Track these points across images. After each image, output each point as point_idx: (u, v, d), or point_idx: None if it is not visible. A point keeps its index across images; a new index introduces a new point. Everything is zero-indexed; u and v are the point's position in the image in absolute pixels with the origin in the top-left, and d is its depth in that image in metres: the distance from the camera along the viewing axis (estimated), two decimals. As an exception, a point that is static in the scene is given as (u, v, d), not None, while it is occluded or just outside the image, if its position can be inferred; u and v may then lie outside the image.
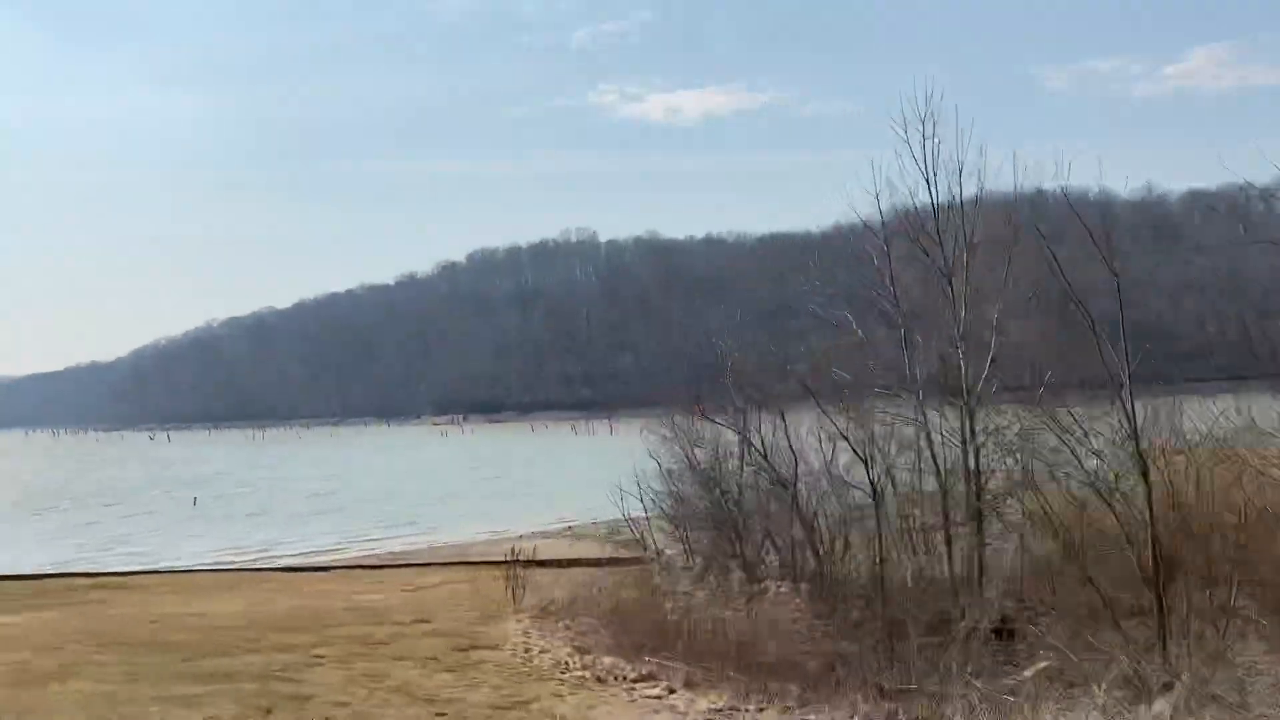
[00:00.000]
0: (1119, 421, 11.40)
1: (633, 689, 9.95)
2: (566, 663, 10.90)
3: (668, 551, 19.81)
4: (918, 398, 15.41)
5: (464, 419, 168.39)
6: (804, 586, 15.46)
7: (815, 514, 17.15)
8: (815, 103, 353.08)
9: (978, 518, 14.74)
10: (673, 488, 18.89)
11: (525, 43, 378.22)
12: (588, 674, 10.47)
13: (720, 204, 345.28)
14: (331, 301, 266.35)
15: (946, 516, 15.13)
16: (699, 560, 18.93)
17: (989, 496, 14.90)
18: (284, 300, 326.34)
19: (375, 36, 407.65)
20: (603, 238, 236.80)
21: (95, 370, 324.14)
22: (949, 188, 15.66)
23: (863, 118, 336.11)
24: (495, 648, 11.58)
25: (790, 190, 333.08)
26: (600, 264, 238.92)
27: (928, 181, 15.70)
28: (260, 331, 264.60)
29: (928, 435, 15.34)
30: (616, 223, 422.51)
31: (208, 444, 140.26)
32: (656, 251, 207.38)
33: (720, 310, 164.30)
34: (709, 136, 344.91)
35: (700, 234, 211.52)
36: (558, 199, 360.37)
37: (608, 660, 10.89)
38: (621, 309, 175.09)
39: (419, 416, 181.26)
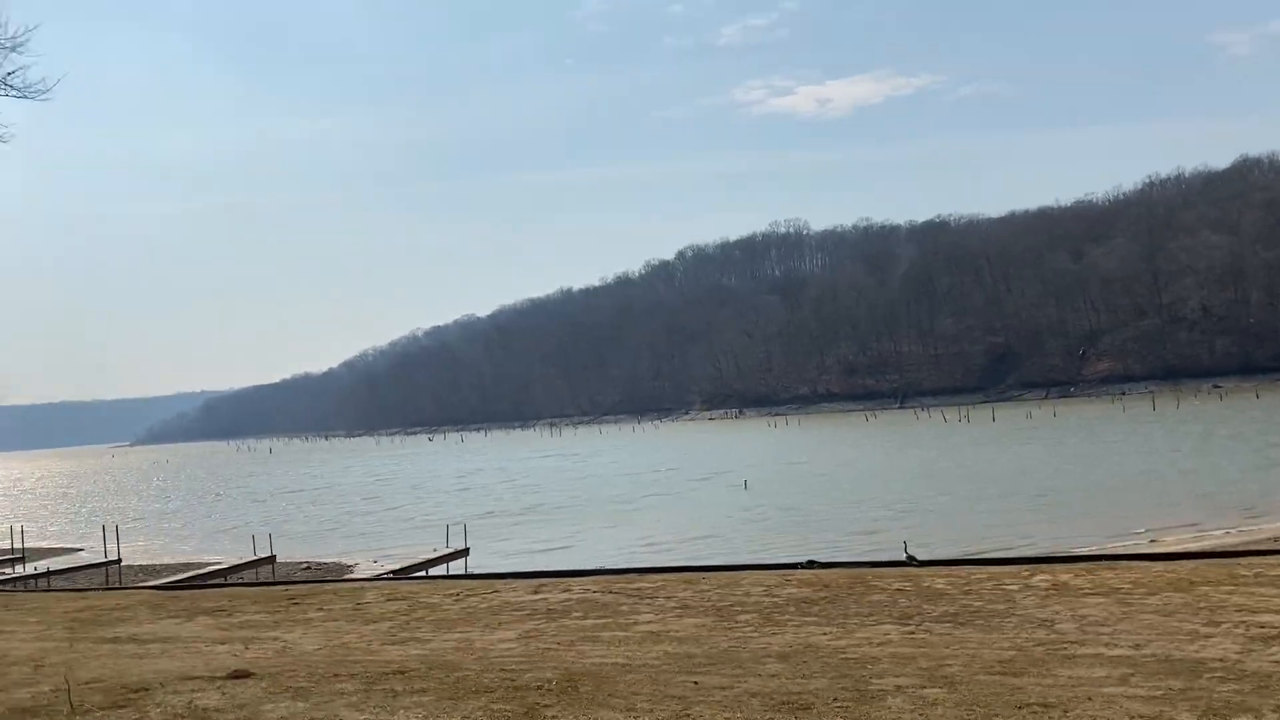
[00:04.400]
0: None
1: None
2: None
3: None
4: None
5: (739, 413, 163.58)
6: None
7: None
8: (973, 84, 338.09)
9: None
10: None
11: (671, 45, 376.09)
12: None
13: (910, 188, 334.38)
14: (536, 307, 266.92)
15: None
16: None
17: None
18: (483, 308, 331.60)
19: (525, 53, 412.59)
20: (816, 227, 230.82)
21: (309, 381, 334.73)
22: None
23: (1027, 99, 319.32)
24: None
25: (984, 171, 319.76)
26: (812, 253, 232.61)
27: None
28: (475, 337, 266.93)
29: None
30: (806, 212, 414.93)
31: (511, 442, 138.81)
32: (877, 238, 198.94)
33: (1015, 290, 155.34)
34: (861, 125, 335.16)
35: (919, 219, 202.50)
36: (725, 194, 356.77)
37: None
38: (889, 294, 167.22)
39: (686, 411, 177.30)
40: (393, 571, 24.49)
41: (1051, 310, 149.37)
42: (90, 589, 23.39)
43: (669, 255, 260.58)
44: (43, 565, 31.86)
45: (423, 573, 25.54)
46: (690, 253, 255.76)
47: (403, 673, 10.06)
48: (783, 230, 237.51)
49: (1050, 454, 53.75)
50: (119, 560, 30.04)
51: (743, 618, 12.73)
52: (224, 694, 9.15)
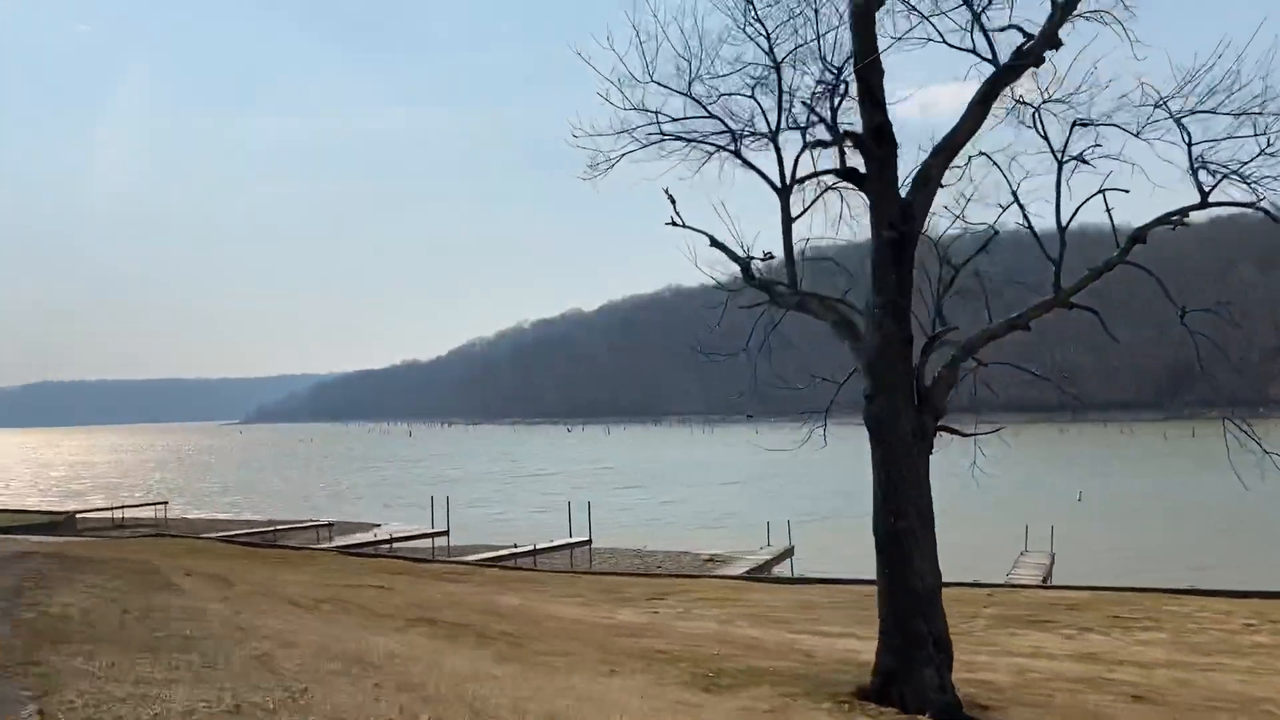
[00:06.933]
0: None
1: None
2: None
3: None
4: None
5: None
6: None
7: None
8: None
9: None
10: None
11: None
12: None
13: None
14: (650, 302, 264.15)
15: None
16: None
17: None
18: (588, 303, 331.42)
19: (604, 48, 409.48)
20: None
21: (417, 369, 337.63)
22: None
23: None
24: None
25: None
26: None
27: None
28: (592, 331, 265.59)
29: None
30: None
31: (658, 438, 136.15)
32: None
33: (1196, 302, 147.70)
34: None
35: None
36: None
37: None
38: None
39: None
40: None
41: (1238, 325, 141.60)
42: (614, 574, 20.66)
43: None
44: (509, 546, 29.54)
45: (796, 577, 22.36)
46: (810, 251, 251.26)
47: None
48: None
49: None
50: (589, 541, 27.59)
51: None
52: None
